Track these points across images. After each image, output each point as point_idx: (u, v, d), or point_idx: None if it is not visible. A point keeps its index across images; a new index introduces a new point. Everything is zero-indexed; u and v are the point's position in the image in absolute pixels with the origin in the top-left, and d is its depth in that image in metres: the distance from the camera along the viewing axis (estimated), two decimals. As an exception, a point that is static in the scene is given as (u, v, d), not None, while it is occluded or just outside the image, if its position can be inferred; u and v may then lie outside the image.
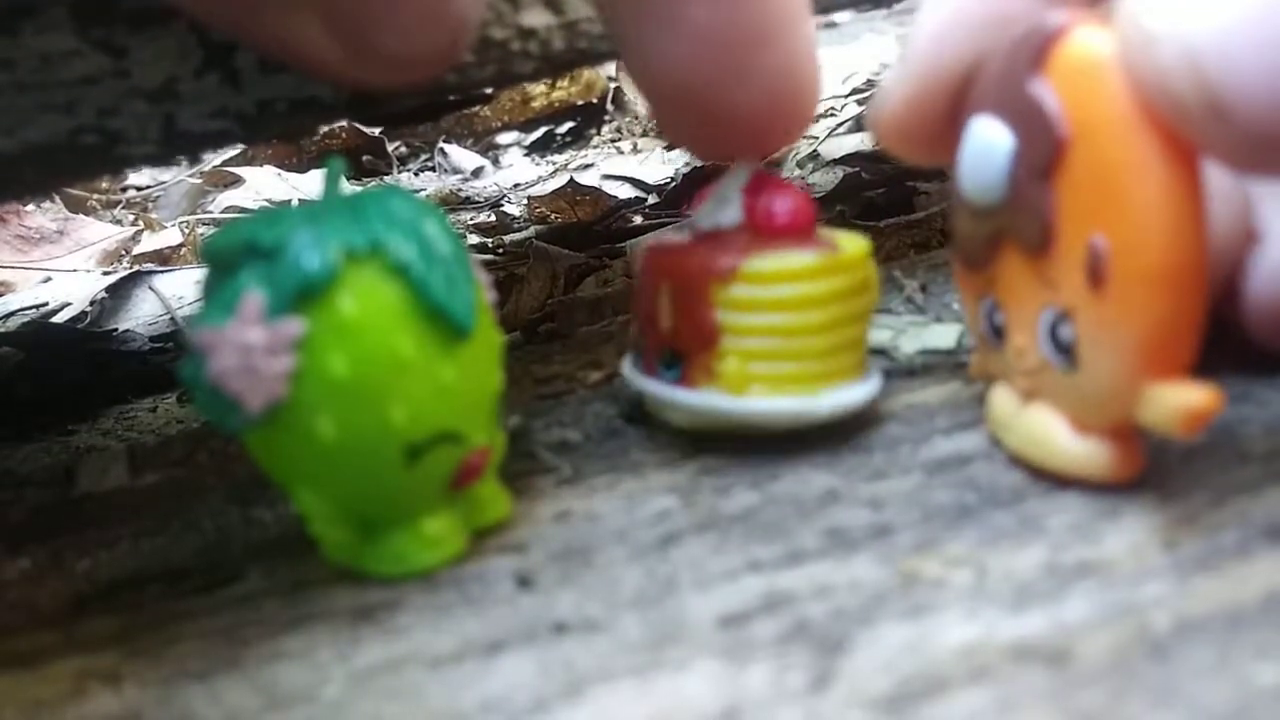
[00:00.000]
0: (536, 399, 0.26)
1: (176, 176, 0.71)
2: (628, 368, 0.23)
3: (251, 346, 0.16)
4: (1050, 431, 0.19)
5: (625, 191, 0.56)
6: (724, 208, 0.22)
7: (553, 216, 0.53)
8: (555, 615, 0.17)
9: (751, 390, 0.21)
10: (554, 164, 0.67)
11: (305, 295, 0.16)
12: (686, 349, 0.22)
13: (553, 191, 0.55)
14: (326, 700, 0.16)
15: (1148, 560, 0.17)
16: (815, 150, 0.53)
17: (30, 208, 0.63)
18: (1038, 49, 0.18)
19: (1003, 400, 0.21)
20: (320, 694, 0.16)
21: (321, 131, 0.70)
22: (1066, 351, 0.18)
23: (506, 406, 0.26)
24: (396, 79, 0.20)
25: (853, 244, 0.22)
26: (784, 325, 0.21)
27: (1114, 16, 0.17)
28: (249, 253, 0.17)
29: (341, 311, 0.16)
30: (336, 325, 0.16)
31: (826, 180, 0.48)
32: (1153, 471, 0.19)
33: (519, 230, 0.51)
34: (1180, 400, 0.17)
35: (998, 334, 0.20)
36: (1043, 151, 0.18)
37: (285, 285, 0.16)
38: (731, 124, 0.21)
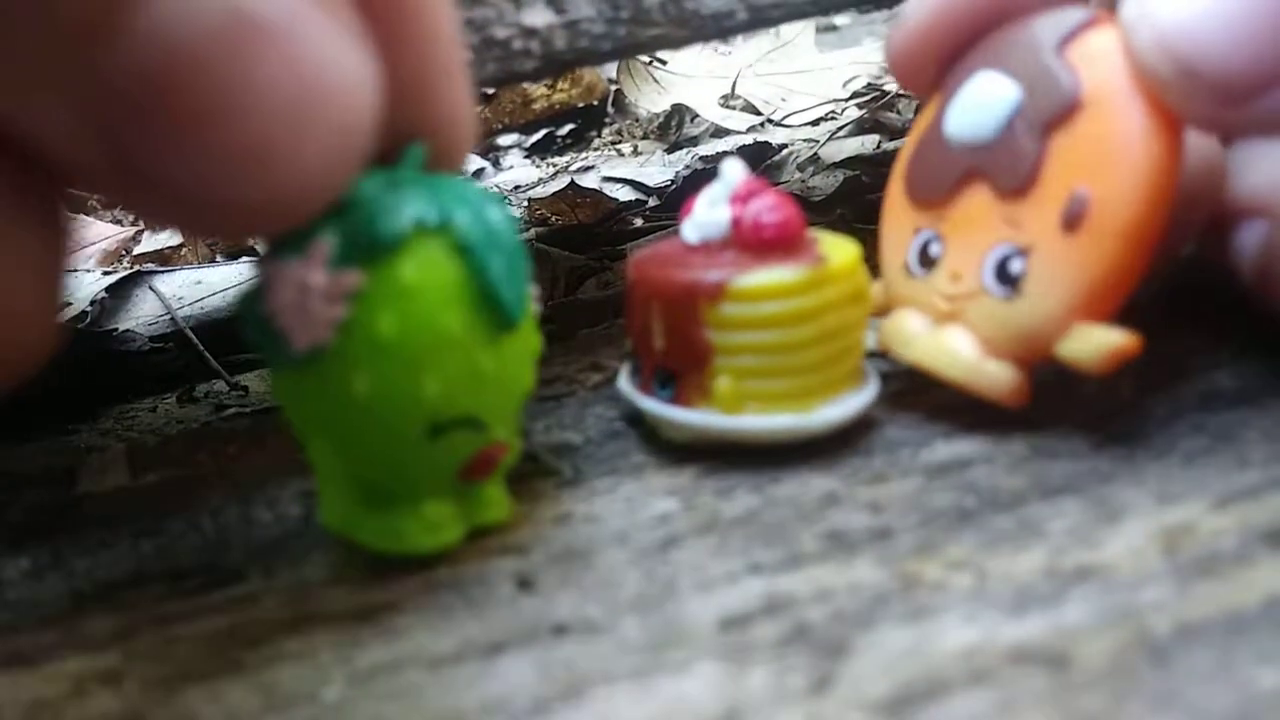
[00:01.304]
0: (537, 401, 0.26)
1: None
2: (624, 382, 0.23)
3: (310, 287, 0.17)
4: (961, 348, 0.22)
5: (626, 194, 0.56)
6: (712, 219, 0.22)
7: (553, 218, 0.53)
8: (556, 617, 0.17)
9: (746, 408, 0.21)
10: (554, 166, 0.67)
11: (371, 253, 0.17)
12: (679, 368, 0.22)
13: (553, 193, 0.55)
14: (327, 701, 0.16)
15: (1148, 564, 0.17)
16: (816, 154, 0.53)
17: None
18: (1070, 31, 0.21)
19: (910, 321, 0.23)
20: (320, 694, 0.16)
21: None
22: (1011, 283, 0.21)
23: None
24: (187, 221, 0.15)
25: (843, 252, 0.22)
26: (775, 342, 0.21)
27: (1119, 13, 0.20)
28: (332, 203, 0.17)
29: (400, 276, 0.17)
30: (393, 287, 0.17)
31: (827, 183, 0.48)
32: (1152, 475, 0.19)
33: (519, 232, 0.51)
34: (1107, 339, 0.20)
35: (926, 263, 0.23)
36: (1051, 107, 0.21)
37: (355, 239, 0.17)
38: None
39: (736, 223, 0.21)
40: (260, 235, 0.16)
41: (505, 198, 0.20)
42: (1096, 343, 0.20)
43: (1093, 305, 0.20)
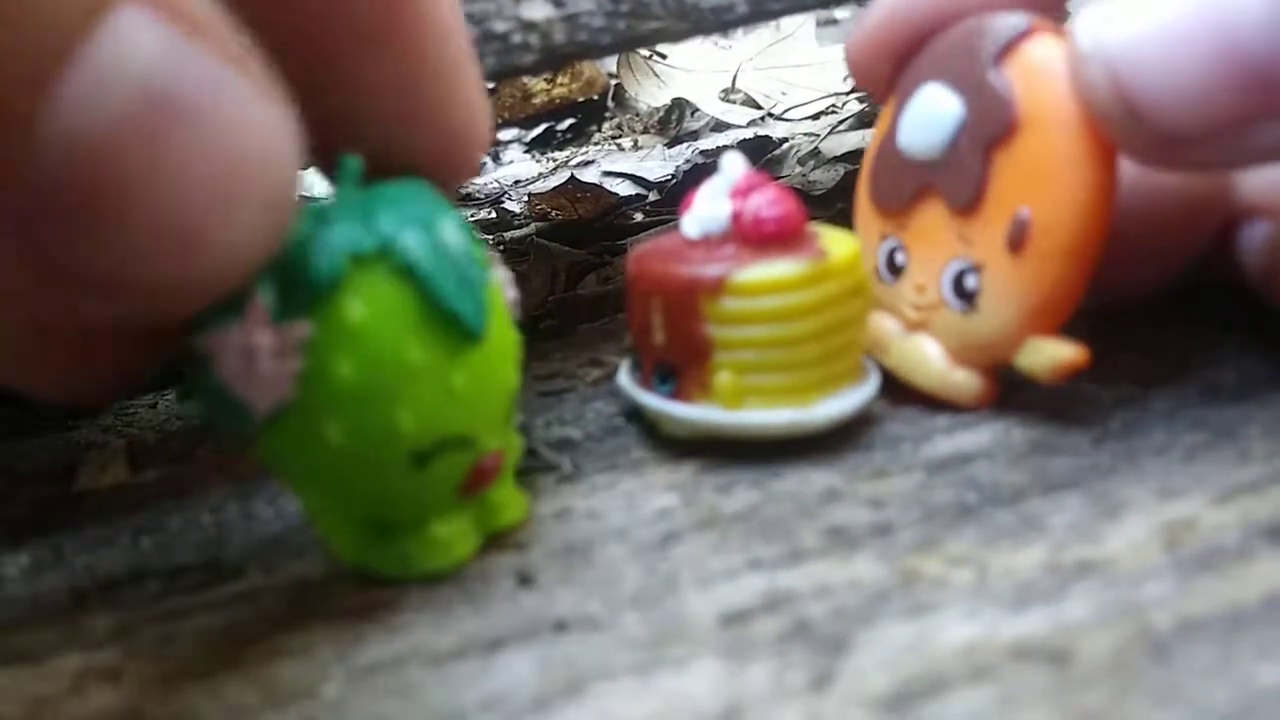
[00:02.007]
0: (537, 396, 0.26)
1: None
2: (624, 378, 0.23)
3: (256, 349, 0.16)
4: (929, 358, 0.23)
5: (626, 188, 0.56)
6: (712, 213, 0.22)
7: (553, 213, 0.53)
8: (556, 613, 0.17)
9: (746, 403, 0.21)
10: (554, 160, 0.67)
11: (311, 298, 0.16)
12: (680, 363, 0.22)
13: (553, 188, 0.55)
14: (327, 698, 0.16)
15: (1149, 560, 0.17)
16: (816, 147, 0.53)
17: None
18: (1005, 43, 0.21)
19: (884, 326, 0.24)
20: (320, 691, 0.16)
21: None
22: (967, 298, 0.22)
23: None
24: (109, 312, 0.14)
25: (843, 246, 0.22)
26: (775, 336, 0.21)
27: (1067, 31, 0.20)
28: None
29: (348, 316, 0.16)
30: (343, 330, 0.16)
31: (827, 177, 0.48)
32: (1154, 470, 0.19)
33: (519, 227, 0.51)
34: (1057, 353, 0.21)
35: (894, 271, 0.24)
36: (991, 128, 0.21)
37: (291, 287, 0.16)
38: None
39: (737, 217, 0.21)
40: (191, 313, 0.15)
41: (449, 203, 0.19)
42: (1048, 356, 0.21)
43: (1041, 320, 0.21)
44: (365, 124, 0.18)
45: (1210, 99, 0.18)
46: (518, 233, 0.49)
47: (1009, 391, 0.23)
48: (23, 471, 0.26)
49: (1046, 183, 0.20)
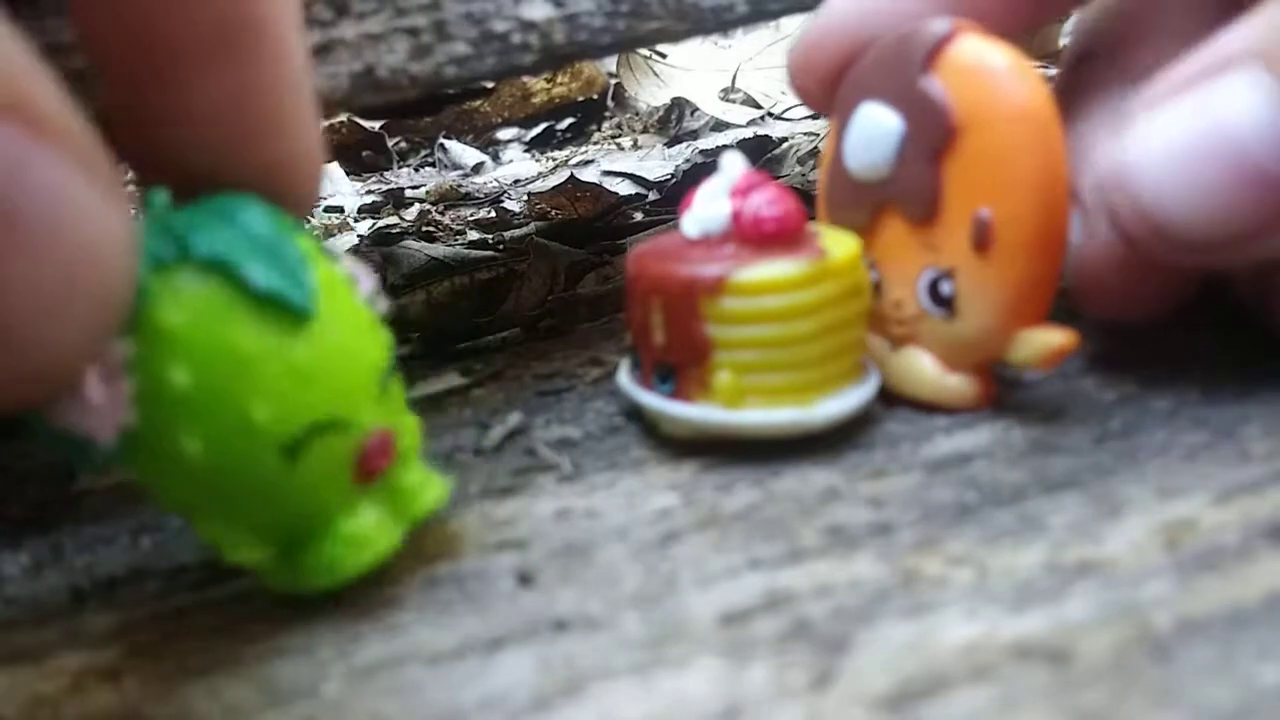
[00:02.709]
0: (537, 396, 0.26)
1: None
2: (624, 377, 0.23)
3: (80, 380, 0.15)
4: (923, 369, 0.23)
5: (626, 188, 0.56)
6: (711, 212, 0.22)
7: (553, 213, 0.53)
8: (555, 613, 0.17)
9: (746, 403, 0.21)
10: (554, 160, 0.67)
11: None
12: (679, 363, 0.22)
13: (553, 188, 0.55)
14: (326, 697, 0.16)
15: (1149, 559, 0.17)
16: (816, 147, 0.53)
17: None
18: (929, 50, 0.21)
19: (872, 344, 0.24)
20: (320, 690, 0.16)
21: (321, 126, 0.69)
22: (945, 304, 0.22)
23: (505, 403, 0.26)
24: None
25: (843, 246, 0.22)
26: (775, 336, 0.21)
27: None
28: None
29: (164, 322, 0.16)
30: (165, 338, 0.16)
31: (827, 177, 0.47)
32: (1154, 469, 0.19)
33: (519, 226, 0.51)
34: (1047, 340, 0.21)
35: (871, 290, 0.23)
36: (933, 137, 0.21)
37: None
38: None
39: (736, 216, 0.21)
40: (27, 407, 0.15)
41: (255, 199, 0.18)
42: (1039, 345, 0.21)
43: (1024, 312, 0.21)
44: (192, 146, 0.17)
45: (1228, 212, 0.19)
46: (517, 232, 0.49)
47: (1008, 391, 0.23)
48: (22, 471, 0.26)
49: (998, 180, 0.20)
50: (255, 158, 0.18)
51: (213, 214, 0.17)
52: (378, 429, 0.18)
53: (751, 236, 0.21)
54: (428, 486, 0.19)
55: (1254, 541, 0.17)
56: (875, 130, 0.22)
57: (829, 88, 0.24)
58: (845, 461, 0.21)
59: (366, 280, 0.19)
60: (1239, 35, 0.19)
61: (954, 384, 0.22)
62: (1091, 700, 0.14)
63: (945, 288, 0.22)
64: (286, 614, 0.18)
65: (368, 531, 0.18)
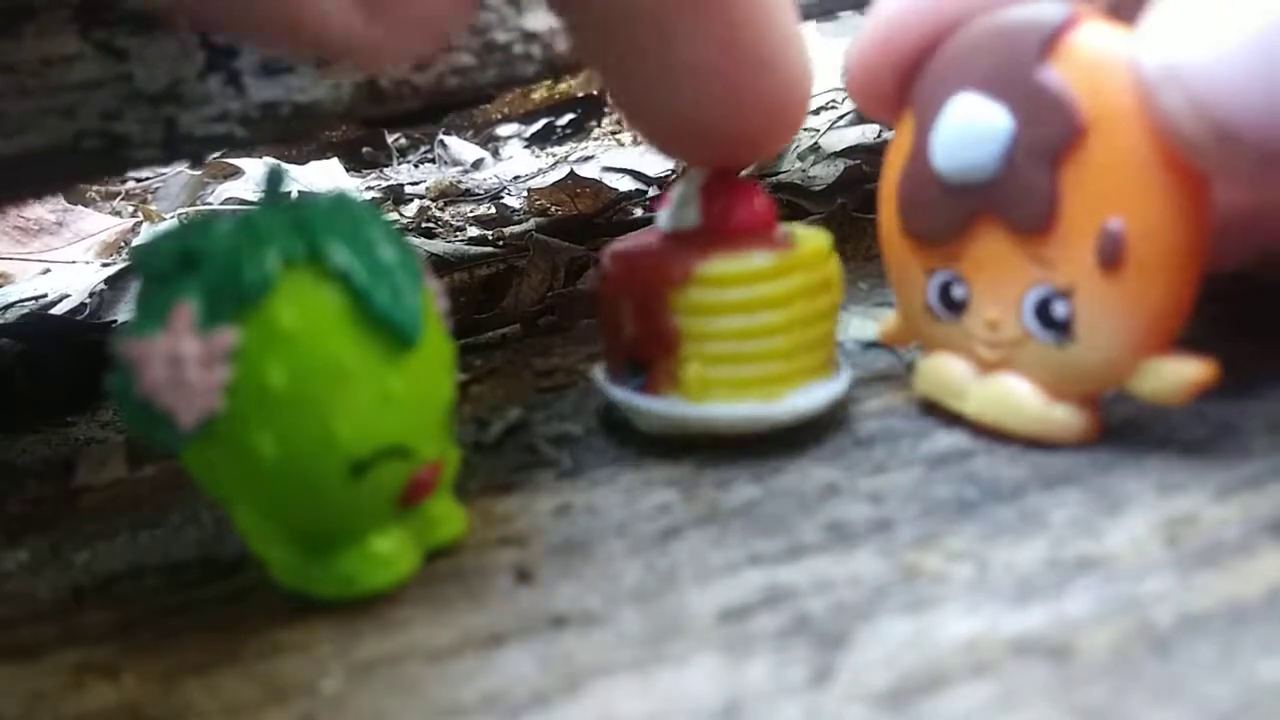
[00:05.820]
0: (537, 392, 0.26)
1: (176, 168, 0.71)
2: (599, 373, 0.23)
3: (183, 358, 0.15)
4: (1022, 399, 0.20)
5: (625, 184, 0.55)
6: (684, 209, 0.22)
7: (553, 209, 0.53)
8: (555, 609, 0.17)
9: (713, 395, 0.21)
10: (554, 156, 0.67)
11: (240, 304, 0.16)
12: (648, 356, 0.21)
13: (553, 184, 0.55)
14: (325, 693, 0.16)
15: (1150, 555, 0.17)
16: (816, 143, 0.53)
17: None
18: (1046, 38, 0.18)
19: (953, 369, 0.21)
20: (319, 687, 0.16)
21: (321, 123, 0.69)
22: (1059, 327, 0.19)
23: (505, 399, 0.26)
24: (422, 44, 0.17)
25: (813, 241, 0.22)
26: (742, 328, 0.21)
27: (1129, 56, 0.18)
28: (182, 262, 0.16)
29: (278, 320, 0.16)
30: (273, 335, 0.16)
31: (828, 173, 0.47)
32: (1154, 465, 0.19)
33: (519, 222, 0.51)
34: (1183, 373, 0.18)
35: (952, 307, 0.21)
36: (1054, 137, 0.18)
37: (219, 295, 0.16)
38: (729, 144, 0.21)
39: (706, 212, 0.21)
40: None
41: (378, 208, 0.18)
42: (1174, 379, 0.19)
43: (1154, 341, 0.19)
44: (687, 99, 0.19)
45: None
46: (517, 228, 0.48)
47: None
48: (21, 468, 0.26)
49: (1134, 188, 0.18)
50: (746, 99, 0.18)
51: (342, 218, 0.17)
52: (433, 460, 0.18)
53: (721, 229, 0.21)
54: (450, 519, 0.19)
55: (1254, 537, 0.17)
56: (977, 127, 0.19)
57: (906, 78, 0.21)
58: (845, 457, 0.21)
59: (440, 299, 0.19)
60: None
61: (1061, 416, 0.20)
62: (1092, 696, 0.14)
63: (1060, 309, 0.19)
64: (286, 611, 0.18)
65: (394, 553, 0.18)
